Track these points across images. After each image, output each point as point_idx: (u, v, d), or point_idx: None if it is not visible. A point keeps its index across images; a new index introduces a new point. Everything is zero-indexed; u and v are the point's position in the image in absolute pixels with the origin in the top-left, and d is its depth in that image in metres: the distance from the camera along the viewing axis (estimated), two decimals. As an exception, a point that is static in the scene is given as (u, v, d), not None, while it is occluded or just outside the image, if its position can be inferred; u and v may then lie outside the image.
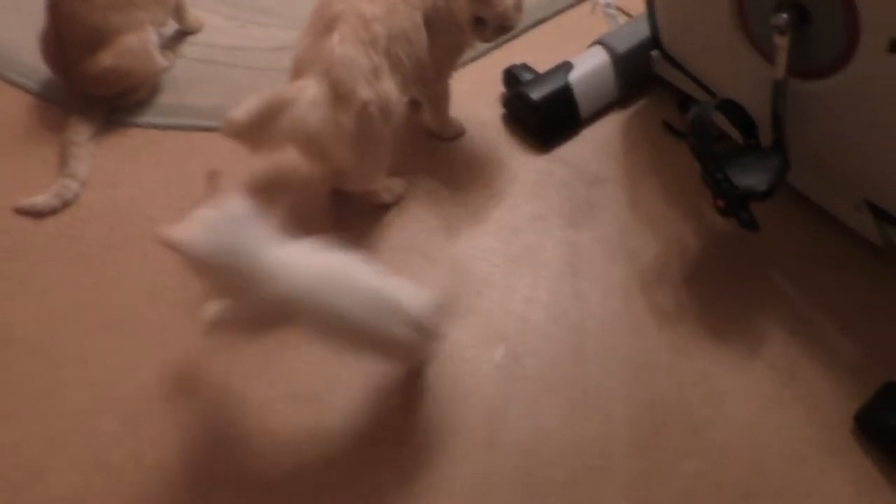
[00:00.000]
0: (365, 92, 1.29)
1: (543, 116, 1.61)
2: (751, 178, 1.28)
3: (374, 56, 1.31)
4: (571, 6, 1.86)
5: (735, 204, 1.30)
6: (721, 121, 1.42)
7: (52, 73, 1.68)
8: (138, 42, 1.63)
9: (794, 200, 1.48)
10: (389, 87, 1.34)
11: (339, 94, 1.27)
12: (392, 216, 1.52)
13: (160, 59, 1.70)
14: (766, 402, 1.28)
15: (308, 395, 1.30)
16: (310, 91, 1.26)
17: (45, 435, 1.27)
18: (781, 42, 1.24)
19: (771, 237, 1.44)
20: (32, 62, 1.75)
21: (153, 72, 1.69)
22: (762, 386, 1.30)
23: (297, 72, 1.31)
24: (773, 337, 1.35)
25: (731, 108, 1.35)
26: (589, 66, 1.65)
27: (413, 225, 1.51)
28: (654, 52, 1.63)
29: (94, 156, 1.61)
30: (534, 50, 1.75)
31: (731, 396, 1.29)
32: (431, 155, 1.62)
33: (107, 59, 1.58)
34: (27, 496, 1.21)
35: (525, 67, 1.68)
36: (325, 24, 1.31)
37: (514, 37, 1.81)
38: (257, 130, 1.25)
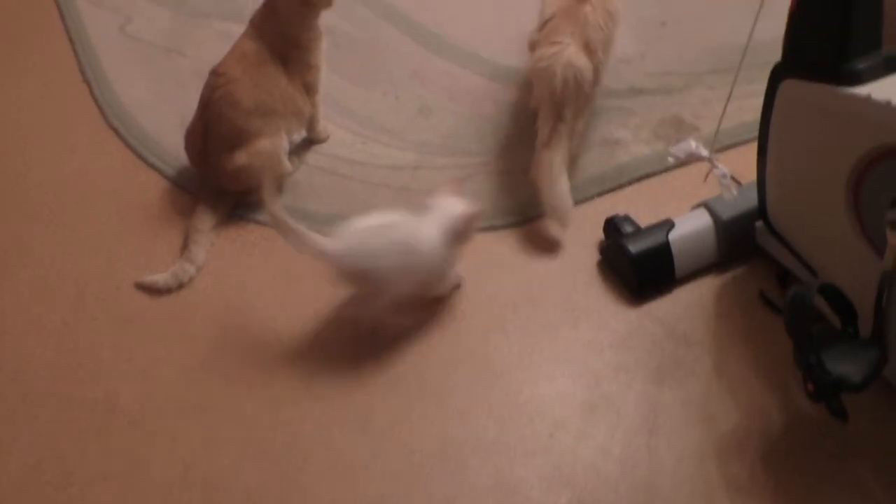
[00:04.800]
0: (601, 54, 1.70)
1: (639, 271, 1.64)
2: (845, 366, 1.27)
3: (605, 30, 1.72)
4: (678, 167, 1.92)
5: (826, 390, 1.29)
6: (820, 302, 1.43)
7: (190, 163, 1.83)
8: (272, 146, 1.77)
9: (887, 394, 1.45)
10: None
11: (590, 50, 1.68)
12: (475, 344, 1.56)
13: (287, 164, 1.83)
14: None
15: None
16: (571, 47, 1.66)
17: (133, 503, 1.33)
18: (893, 239, 1.25)
19: (859, 428, 1.41)
20: (172, 149, 1.92)
21: (279, 174, 1.82)
22: (836, 580, 1.26)
23: (553, 29, 1.70)
24: (851, 531, 1.32)
25: (833, 294, 1.35)
26: (690, 227, 1.68)
27: (496, 359, 1.55)
28: (759, 223, 1.66)
29: (213, 244, 1.73)
30: (637, 203, 1.80)
31: (801, 586, 1.25)
32: (523, 290, 1.67)
33: (242, 157, 1.73)
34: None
35: (627, 219, 1.72)
36: None
37: (620, 187, 1.87)
38: None
